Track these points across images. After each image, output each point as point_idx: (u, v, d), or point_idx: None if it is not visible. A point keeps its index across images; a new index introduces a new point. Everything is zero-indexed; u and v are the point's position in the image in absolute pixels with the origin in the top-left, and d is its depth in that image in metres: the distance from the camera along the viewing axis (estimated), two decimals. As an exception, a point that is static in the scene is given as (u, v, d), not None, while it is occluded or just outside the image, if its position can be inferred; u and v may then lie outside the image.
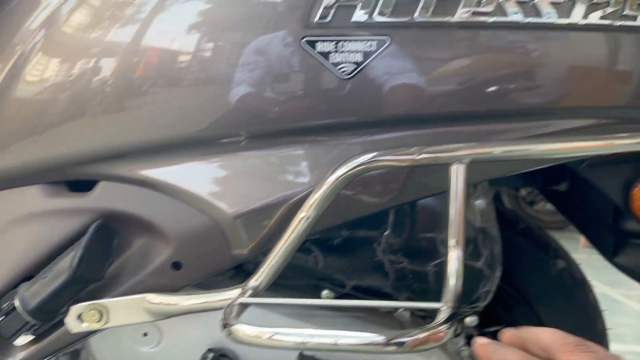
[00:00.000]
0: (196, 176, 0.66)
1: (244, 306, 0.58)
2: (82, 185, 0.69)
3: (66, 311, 0.67)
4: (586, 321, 0.98)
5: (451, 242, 0.59)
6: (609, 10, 0.66)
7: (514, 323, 0.99)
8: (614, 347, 2.25)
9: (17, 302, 0.66)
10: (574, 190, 0.95)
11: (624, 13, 0.67)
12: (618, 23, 0.67)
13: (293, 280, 0.75)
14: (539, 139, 0.66)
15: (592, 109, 0.69)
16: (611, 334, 2.39)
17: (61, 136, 0.68)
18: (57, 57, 0.69)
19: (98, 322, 0.67)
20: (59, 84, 0.67)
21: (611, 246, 1.00)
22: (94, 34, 0.67)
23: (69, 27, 0.68)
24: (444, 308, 0.54)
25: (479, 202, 0.73)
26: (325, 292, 0.75)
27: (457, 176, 0.60)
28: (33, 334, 0.71)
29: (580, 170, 0.81)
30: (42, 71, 0.68)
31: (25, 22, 0.70)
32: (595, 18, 0.66)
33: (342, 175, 0.62)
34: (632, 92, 0.69)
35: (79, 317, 0.67)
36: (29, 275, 0.68)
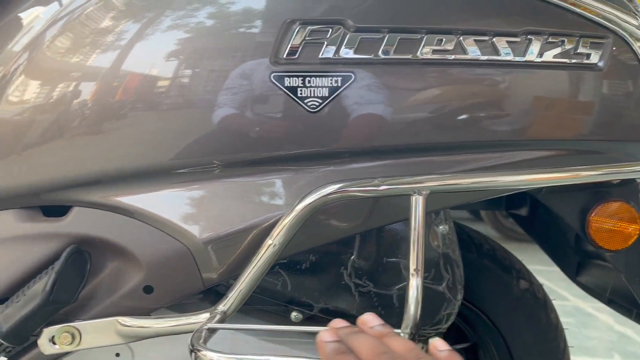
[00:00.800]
0: (169, 203, 0.69)
1: (212, 331, 0.60)
2: (56, 210, 0.70)
3: (39, 333, 0.69)
4: (548, 339, 1.01)
5: (412, 269, 0.62)
6: (563, 48, 0.71)
7: (479, 341, 1.03)
8: (585, 360, 2.30)
9: (-11, 325, 0.67)
10: (536, 214, 0.99)
11: (577, 51, 0.71)
12: (573, 61, 0.71)
13: (263, 303, 0.78)
14: (495, 171, 0.69)
15: (547, 141, 0.73)
16: (582, 347, 2.44)
17: (39, 160, 0.69)
18: (38, 80, 0.70)
19: (70, 344, 0.68)
20: (39, 106, 0.69)
21: (574, 266, 1.04)
22: (75, 58, 0.68)
23: (52, 51, 0.69)
24: (402, 334, 0.57)
25: (442, 228, 0.77)
26: (294, 315, 0.77)
27: (417, 206, 0.63)
28: (6, 356, 0.72)
29: (539, 197, 0.85)
30: (24, 93, 0.70)
31: (9, 44, 0.71)
32: (549, 56, 0.71)
33: (309, 203, 0.65)
34: (586, 127, 0.73)
35: (52, 339, 0.69)
36: (2, 299, 0.69)
